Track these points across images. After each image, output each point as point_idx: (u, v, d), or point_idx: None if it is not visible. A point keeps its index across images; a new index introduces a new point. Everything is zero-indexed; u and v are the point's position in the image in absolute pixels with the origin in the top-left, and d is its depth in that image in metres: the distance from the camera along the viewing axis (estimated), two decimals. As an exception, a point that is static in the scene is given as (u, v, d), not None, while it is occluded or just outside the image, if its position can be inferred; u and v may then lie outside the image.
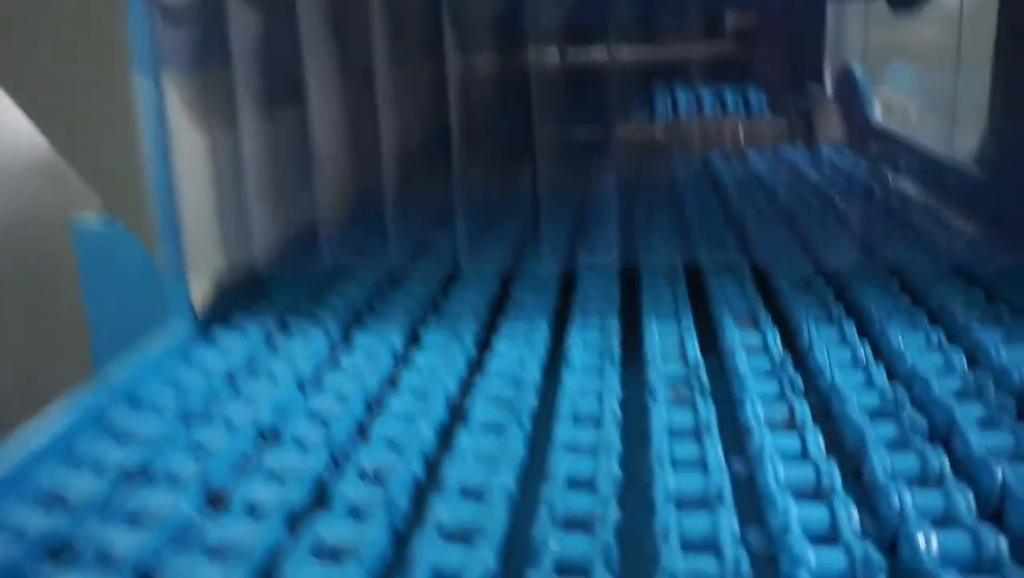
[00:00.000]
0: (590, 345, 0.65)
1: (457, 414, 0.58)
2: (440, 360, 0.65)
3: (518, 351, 0.65)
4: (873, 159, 0.97)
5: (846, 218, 0.81)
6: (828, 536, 0.41)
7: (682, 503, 0.44)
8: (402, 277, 0.87)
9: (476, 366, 0.65)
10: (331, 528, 0.44)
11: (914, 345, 0.60)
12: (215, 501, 0.49)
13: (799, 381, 0.55)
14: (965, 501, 0.42)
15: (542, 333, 0.68)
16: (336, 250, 0.77)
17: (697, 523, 0.42)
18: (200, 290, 0.73)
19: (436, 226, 0.79)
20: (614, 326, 0.67)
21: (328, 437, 0.53)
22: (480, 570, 0.40)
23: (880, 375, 0.56)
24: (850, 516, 0.41)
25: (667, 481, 0.45)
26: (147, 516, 0.46)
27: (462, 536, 0.43)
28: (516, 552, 0.43)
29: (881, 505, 0.44)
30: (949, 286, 0.71)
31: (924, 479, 0.45)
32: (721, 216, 0.87)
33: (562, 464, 0.48)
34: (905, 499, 0.42)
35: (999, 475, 0.44)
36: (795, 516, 0.41)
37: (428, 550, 0.41)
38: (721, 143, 1.10)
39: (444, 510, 0.45)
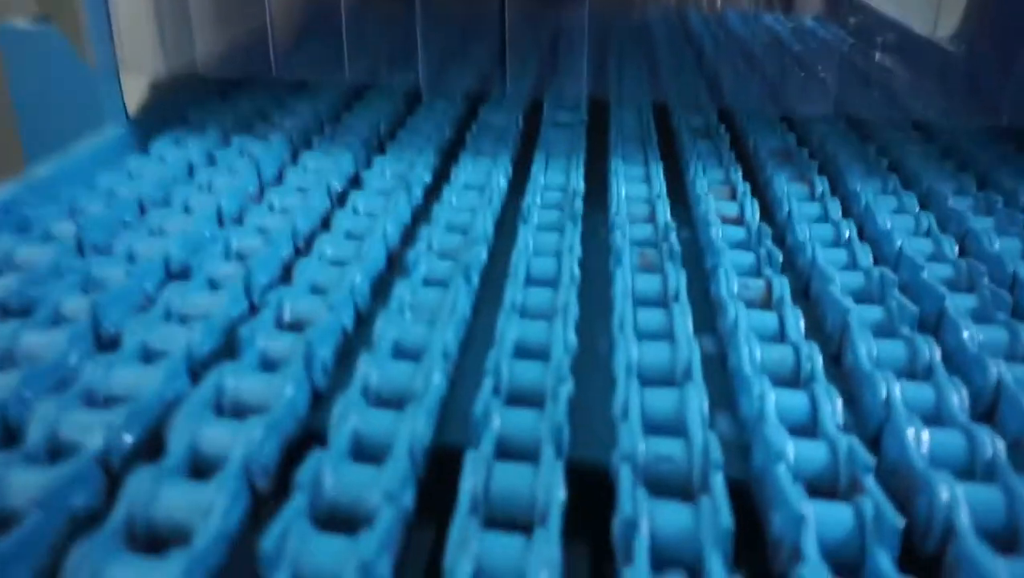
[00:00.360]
0: (549, 202, 0.58)
1: (395, 264, 0.52)
2: (381, 203, 0.57)
3: (470, 200, 0.58)
4: (852, 30, 0.93)
5: (819, 75, 0.77)
6: (808, 427, 0.36)
7: (645, 379, 0.39)
8: (360, 98, 0.82)
9: (423, 212, 0.58)
10: (238, 380, 0.38)
11: (902, 228, 0.55)
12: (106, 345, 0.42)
13: (778, 255, 0.50)
14: (959, 397, 0.38)
15: (498, 183, 0.61)
16: (286, 61, 0.71)
17: (661, 401, 0.37)
18: (137, 94, 0.68)
19: (396, 44, 0.72)
20: (578, 182, 0.60)
21: (247, 277, 0.47)
22: (409, 441, 0.34)
23: (866, 256, 0.51)
24: (833, 407, 0.37)
25: (629, 352, 0.40)
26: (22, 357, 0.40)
27: (391, 401, 0.38)
28: (453, 426, 0.38)
29: (865, 395, 0.39)
30: (939, 171, 0.65)
31: (912, 371, 0.41)
32: (693, 62, 0.81)
33: (511, 328, 0.42)
34: (893, 390, 0.38)
35: (994, 373, 0.40)
36: (772, 402, 0.36)
37: (352, 414, 0.36)
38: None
39: (373, 370, 0.39)
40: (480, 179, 0.62)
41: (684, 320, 0.42)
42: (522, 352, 0.41)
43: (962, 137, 0.71)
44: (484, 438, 0.34)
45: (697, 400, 0.36)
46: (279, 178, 0.64)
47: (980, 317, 0.45)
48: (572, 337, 0.41)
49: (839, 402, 0.37)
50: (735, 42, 0.86)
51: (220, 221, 0.56)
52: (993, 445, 0.35)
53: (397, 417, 0.36)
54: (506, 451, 0.35)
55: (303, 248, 0.53)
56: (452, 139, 0.72)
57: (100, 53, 0.65)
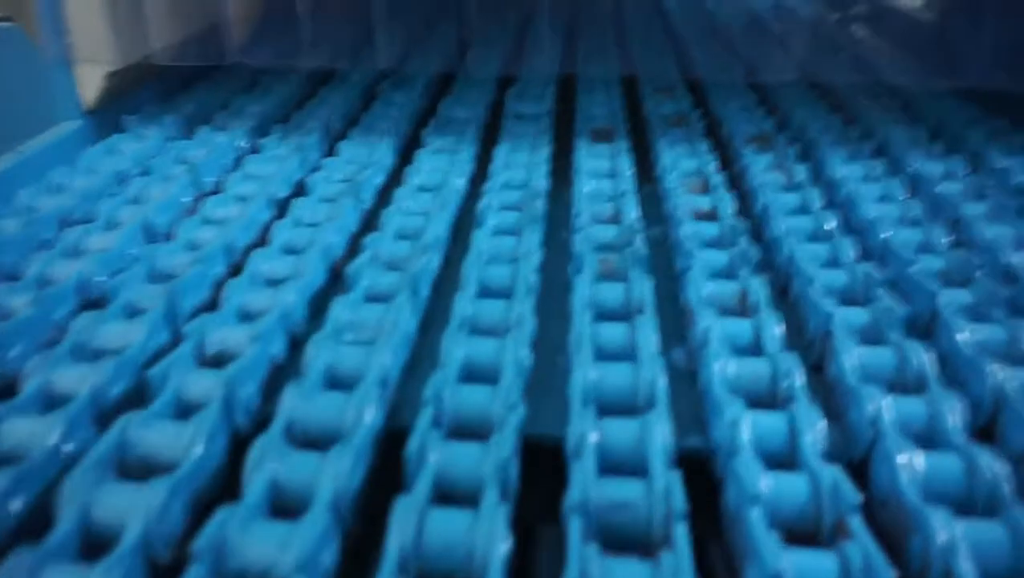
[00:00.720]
0: (508, 203, 0.54)
1: (337, 277, 0.47)
2: (329, 210, 0.53)
3: (423, 202, 0.54)
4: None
5: (789, 43, 0.74)
6: (786, 457, 0.32)
7: (604, 405, 0.35)
8: (324, 83, 0.78)
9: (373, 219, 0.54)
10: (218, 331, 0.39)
11: (890, 218, 0.51)
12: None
13: (754, 254, 0.46)
14: (955, 413, 0.34)
15: (458, 183, 0.56)
16: (242, 49, 0.69)
17: (620, 434, 0.33)
18: (93, 85, 0.66)
19: (355, 28, 0.69)
20: (540, 180, 0.56)
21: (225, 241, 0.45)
22: (331, 491, 0.30)
23: (849, 250, 0.47)
24: (815, 433, 0.32)
25: (586, 376, 0.35)
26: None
27: (319, 441, 0.34)
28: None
29: (851, 412, 0.35)
30: (927, 153, 0.61)
31: (903, 382, 0.37)
32: (662, 34, 0.78)
33: (457, 348, 0.38)
34: (881, 407, 0.34)
35: (994, 380, 0.35)
36: (746, 429, 0.32)
37: (268, 461, 0.31)
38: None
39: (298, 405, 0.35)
40: (437, 179, 0.57)
41: (648, 336, 0.38)
42: (470, 375, 0.37)
43: (948, 114, 0.67)
44: (419, 480, 0.30)
45: (660, 433, 0.31)
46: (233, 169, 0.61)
47: (977, 315, 0.41)
48: (525, 355, 0.37)
49: (822, 426, 0.33)
50: (703, 11, 0.83)
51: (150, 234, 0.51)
52: (994, 472, 0.30)
53: (320, 462, 0.31)
54: (445, 494, 0.31)
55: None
56: (410, 134, 0.68)
57: (52, 45, 0.63)
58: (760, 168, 0.58)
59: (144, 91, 0.72)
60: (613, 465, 0.31)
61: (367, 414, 0.34)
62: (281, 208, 0.55)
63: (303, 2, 0.70)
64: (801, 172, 0.56)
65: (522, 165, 0.59)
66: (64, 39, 0.63)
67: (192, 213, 0.53)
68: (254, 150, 0.64)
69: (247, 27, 0.73)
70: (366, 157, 0.61)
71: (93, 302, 0.44)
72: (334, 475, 0.30)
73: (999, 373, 0.36)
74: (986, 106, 0.68)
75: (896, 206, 0.52)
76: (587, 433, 0.32)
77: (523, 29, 0.76)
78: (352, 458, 0.31)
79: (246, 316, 0.42)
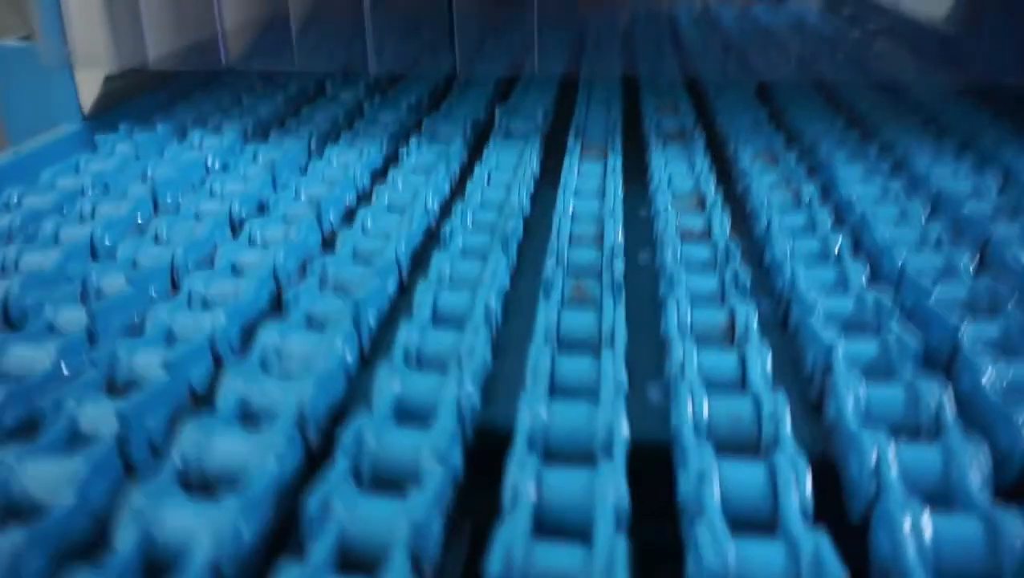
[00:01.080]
0: (481, 224, 0.49)
1: (279, 302, 0.43)
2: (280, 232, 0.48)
3: (385, 222, 0.49)
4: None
5: (788, 45, 0.71)
6: (763, 522, 0.27)
7: (553, 453, 0.29)
8: (320, 88, 0.79)
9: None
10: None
11: (905, 239, 0.45)
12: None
13: (746, 278, 0.40)
14: (977, 467, 0.28)
15: (427, 204, 0.52)
16: (237, 53, 0.68)
17: (568, 490, 0.27)
18: (93, 89, 0.68)
19: (345, 32, 0.68)
20: (524, 198, 0.51)
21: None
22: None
23: (857, 274, 0.41)
24: (801, 492, 0.27)
25: (536, 418, 0.30)
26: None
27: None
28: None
29: (851, 463, 0.29)
30: (953, 170, 0.55)
31: (915, 426, 0.31)
32: (664, 33, 0.75)
33: (392, 384, 0.33)
34: (886, 458, 0.28)
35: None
36: (715, 487, 0.27)
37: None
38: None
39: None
40: (406, 199, 0.52)
41: (614, 371, 0.32)
42: (402, 415, 0.32)
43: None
44: (320, 541, 0.25)
45: (613, 495, 0.26)
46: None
47: (1006, 351, 0.35)
48: (472, 394, 0.32)
49: (807, 482, 0.27)
50: (707, 17, 0.80)
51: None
52: (1022, 541, 0.24)
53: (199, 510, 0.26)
54: (347, 558, 0.26)
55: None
56: (389, 156, 0.63)
57: (52, 50, 0.64)
58: (765, 185, 0.52)
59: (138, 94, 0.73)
60: (551, 524, 0.26)
61: (269, 462, 0.29)
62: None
63: (296, 7, 0.69)
64: (810, 190, 0.51)
65: (502, 185, 0.54)
66: (64, 43, 0.64)
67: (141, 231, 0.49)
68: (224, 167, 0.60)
69: (242, 31, 0.72)
70: (340, 176, 0.57)
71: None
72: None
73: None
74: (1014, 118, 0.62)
75: (914, 227, 0.46)
76: (524, 484, 0.26)
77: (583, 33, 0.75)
78: (241, 508, 0.26)
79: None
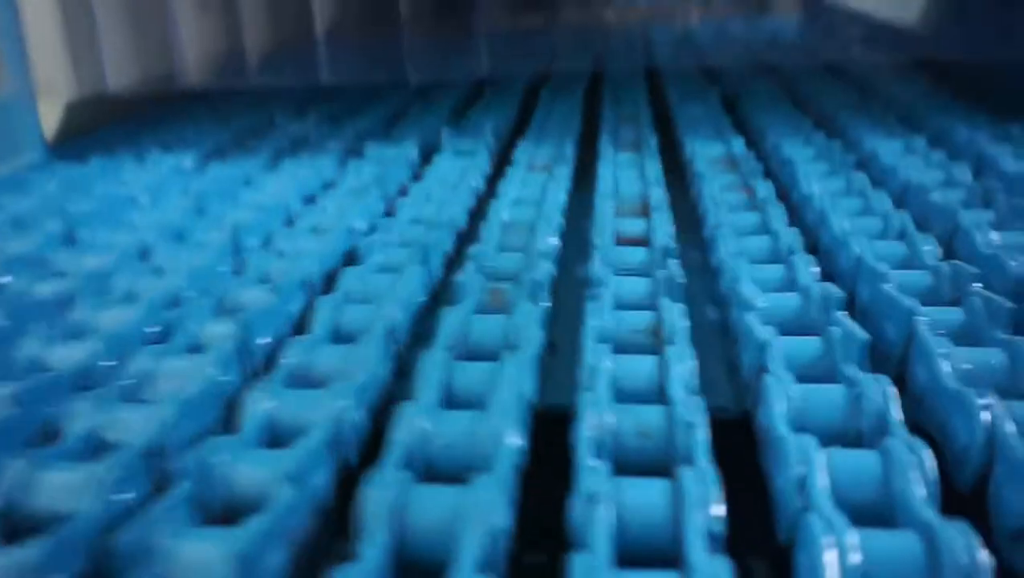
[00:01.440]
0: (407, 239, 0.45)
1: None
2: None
3: (303, 244, 0.45)
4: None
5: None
6: (661, 548, 0.22)
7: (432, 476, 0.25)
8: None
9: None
10: None
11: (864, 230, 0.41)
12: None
13: (679, 280, 0.36)
14: (918, 476, 0.23)
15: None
16: (195, 73, 0.69)
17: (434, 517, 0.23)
18: (55, 117, 0.68)
19: (299, 47, 0.68)
20: (461, 214, 0.47)
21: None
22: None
23: (804, 268, 0.37)
24: (704, 516, 0.22)
25: (414, 436, 0.26)
26: None
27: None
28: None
29: (777, 475, 0.25)
30: (923, 161, 0.51)
31: (853, 434, 0.27)
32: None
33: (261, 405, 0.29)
34: (813, 470, 0.23)
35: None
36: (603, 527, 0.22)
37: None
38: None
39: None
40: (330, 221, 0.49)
41: (514, 384, 0.28)
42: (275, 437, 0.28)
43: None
44: None
45: (475, 540, 0.22)
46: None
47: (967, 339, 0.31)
48: (350, 409, 0.28)
49: (717, 505, 0.22)
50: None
51: None
52: (973, 560, 0.20)
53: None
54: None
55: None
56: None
57: (14, 78, 0.63)
58: (716, 187, 0.48)
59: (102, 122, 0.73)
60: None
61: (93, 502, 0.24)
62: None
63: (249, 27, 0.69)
64: (765, 189, 0.47)
65: (437, 200, 0.51)
66: (26, 71, 0.64)
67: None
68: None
69: (198, 50, 0.73)
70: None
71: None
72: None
73: (994, 410, 0.25)
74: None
75: (877, 219, 0.42)
76: (383, 506, 0.22)
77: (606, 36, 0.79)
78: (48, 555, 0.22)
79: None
